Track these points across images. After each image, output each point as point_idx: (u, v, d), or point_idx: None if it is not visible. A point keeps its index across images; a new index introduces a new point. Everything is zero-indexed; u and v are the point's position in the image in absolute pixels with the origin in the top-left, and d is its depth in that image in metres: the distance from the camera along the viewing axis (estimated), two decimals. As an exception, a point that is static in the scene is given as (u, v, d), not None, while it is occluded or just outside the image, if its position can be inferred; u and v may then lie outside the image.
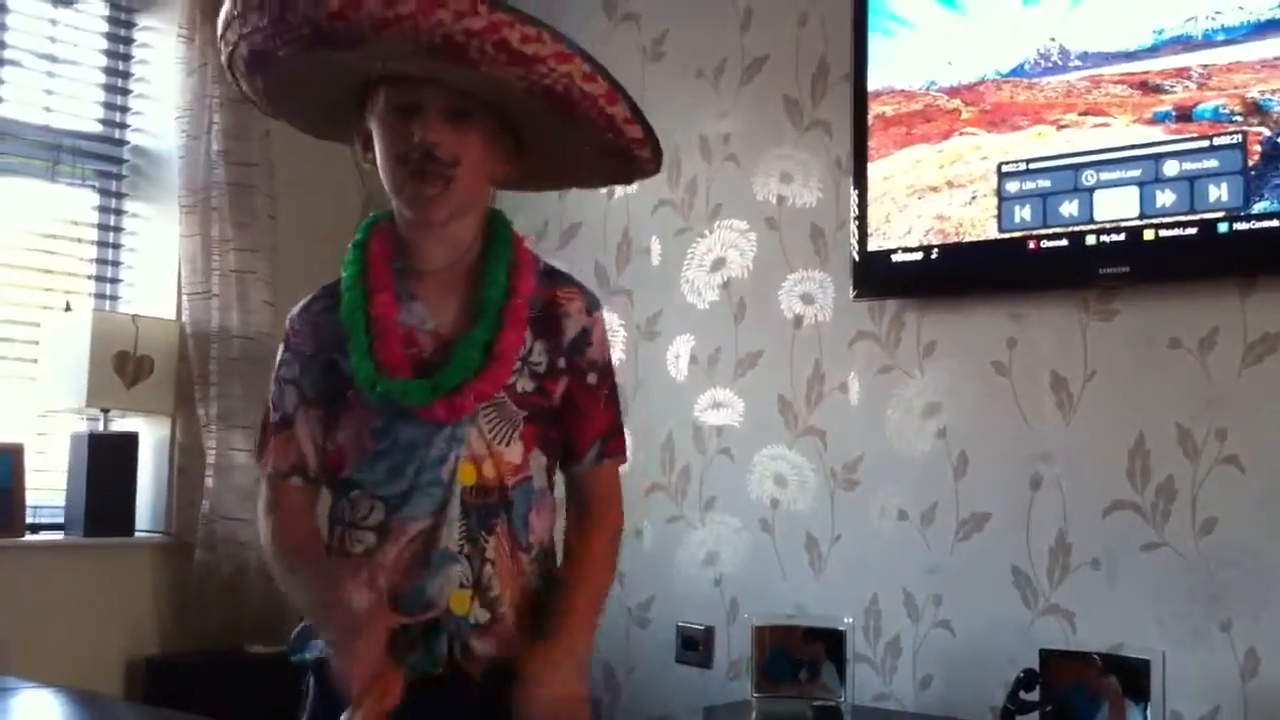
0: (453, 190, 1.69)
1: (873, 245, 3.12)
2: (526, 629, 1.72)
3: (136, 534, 3.63)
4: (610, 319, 3.67)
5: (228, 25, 1.68)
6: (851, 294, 3.18)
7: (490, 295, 1.73)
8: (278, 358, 1.82)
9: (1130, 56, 2.79)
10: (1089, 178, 2.82)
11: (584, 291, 1.82)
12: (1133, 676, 2.59)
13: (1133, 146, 2.77)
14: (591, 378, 1.79)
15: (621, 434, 1.84)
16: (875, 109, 3.14)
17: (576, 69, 1.63)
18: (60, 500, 3.59)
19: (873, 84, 3.15)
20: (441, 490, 1.70)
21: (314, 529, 1.83)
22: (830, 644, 3.01)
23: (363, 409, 1.73)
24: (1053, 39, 2.90)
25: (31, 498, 3.50)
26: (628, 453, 1.86)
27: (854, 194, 3.16)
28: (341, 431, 1.76)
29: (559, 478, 1.83)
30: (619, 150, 1.77)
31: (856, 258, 3.15)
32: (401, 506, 1.71)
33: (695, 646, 3.38)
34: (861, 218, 3.14)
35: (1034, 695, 2.70)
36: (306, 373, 1.78)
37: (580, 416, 1.79)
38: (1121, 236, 2.77)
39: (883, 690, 3.10)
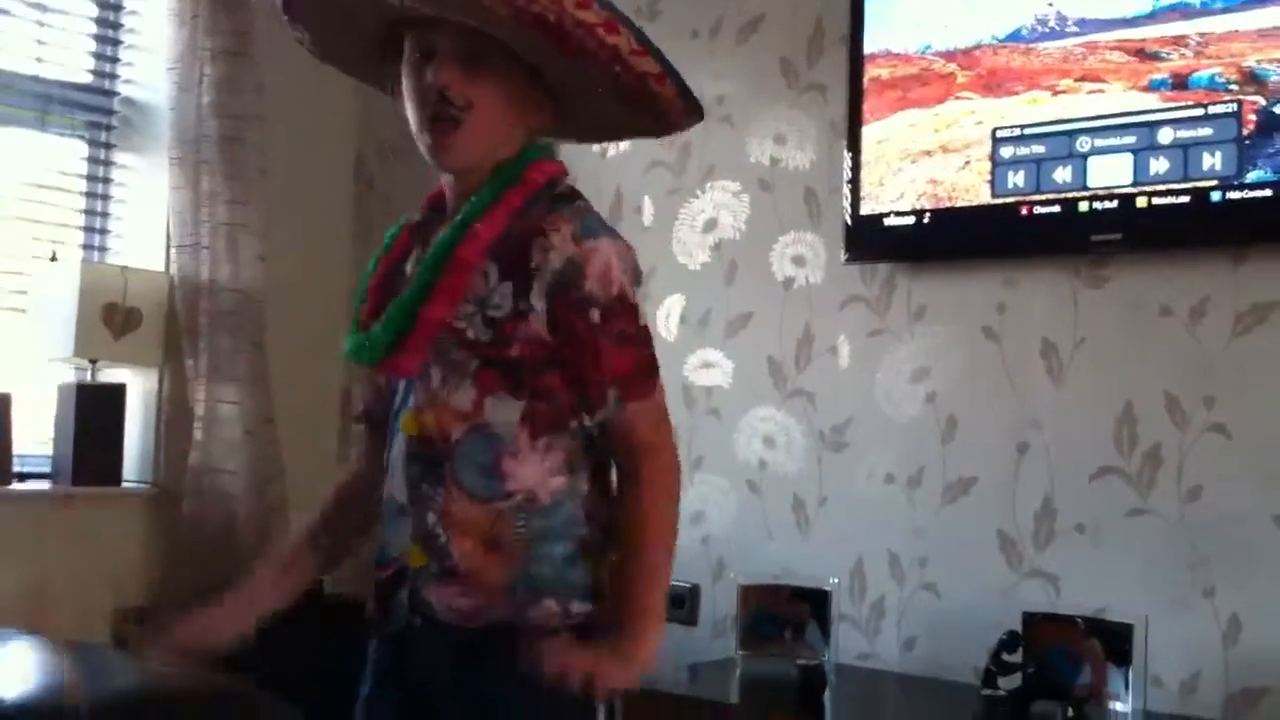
0: (464, 133, 1.67)
1: (865, 209, 3.12)
2: (508, 580, 1.64)
3: (124, 484, 3.64)
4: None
5: None
6: (843, 257, 3.18)
7: (442, 239, 1.68)
8: None
9: (1127, 23, 2.78)
10: (1083, 144, 2.82)
11: (579, 218, 1.66)
12: (1115, 640, 2.62)
13: (1127, 114, 2.77)
14: (593, 314, 1.62)
15: (647, 375, 1.67)
16: (871, 72, 3.13)
17: None
18: (48, 450, 3.59)
19: (869, 47, 3.14)
20: (395, 438, 1.72)
21: (343, 481, 1.91)
22: (815, 604, 3.03)
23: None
24: (1050, 4, 2.90)
25: (19, 447, 3.49)
26: (659, 394, 1.69)
27: (847, 157, 3.16)
28: None
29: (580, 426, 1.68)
30: (633, 89, 1.68)
31: (849, 221, 3.15)
32: (387, 459, 1.75)
33: (681, 604, 3.39)
34: (855, 181, 3.14)
35: (1016, 657, 2.72)
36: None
37: (589, 356, 1.63)
38: (1114, 204, 2.77)
39: (866, 650, 3.12)
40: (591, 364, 1.64)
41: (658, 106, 1.74)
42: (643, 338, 1.68)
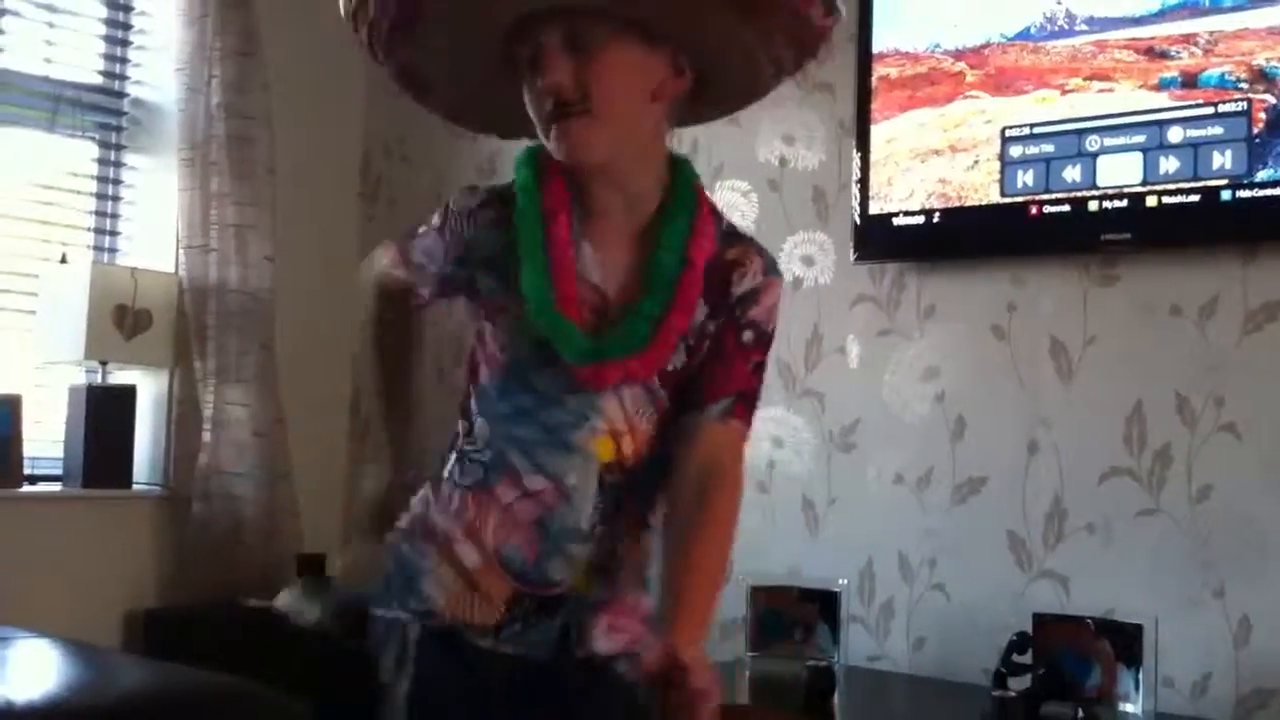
0: (592, 124, 1.53)
1: (874, 208, 3.11)
2: (646, 614, 1.63)
3: (134, 486, 3.65)
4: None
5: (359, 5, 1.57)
6: (852, 256, 3.17)
7: (664, 263, 1.58)
8: (435, 218, 1.67)
9: (1137, 21, 2.77)
10: (1092, 143, 2.81)
11: (765, 254, 1.65)
12: (1125, 641, 2.61)
13: (1137, 112, 2.75)
14: (748, 335, 1.61)
15: (756, 406, 1.64)
16: (879, 71, 3.12)
17: None
18: (59, 451, 3.60)
19: (878, 45, 3.13)
20: (571, 456, 1.59)
21: (415, 360, 1.76)
22: (824, 605, 3.02)
23: (503, 333, 1.62)
24: (1059, 3, 2.88)
25: (30, 449, 3.51)
26: (750, 430, 1.65)
27: (856, 156, 3.15)
28: (489, 343, 1.64)
29: None
30: (759, 6, 1.53)
31: (858, 220, 3.14)
32: (522, 451, 1.60)
33: (690, 605, 3.39)
34: (864, 180, 3.13)
35: (1026, 658, 2.71)
36: (452, 268, 1.66)
37: (723, 365, 1.61)
38: (1124, 203, 2.76)
39: (876, 651, 3.12)
40: (726, 371, 1.61)
41: (791, 19, 1.56)
42: (764, 375, 1.66)
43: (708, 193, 1.68)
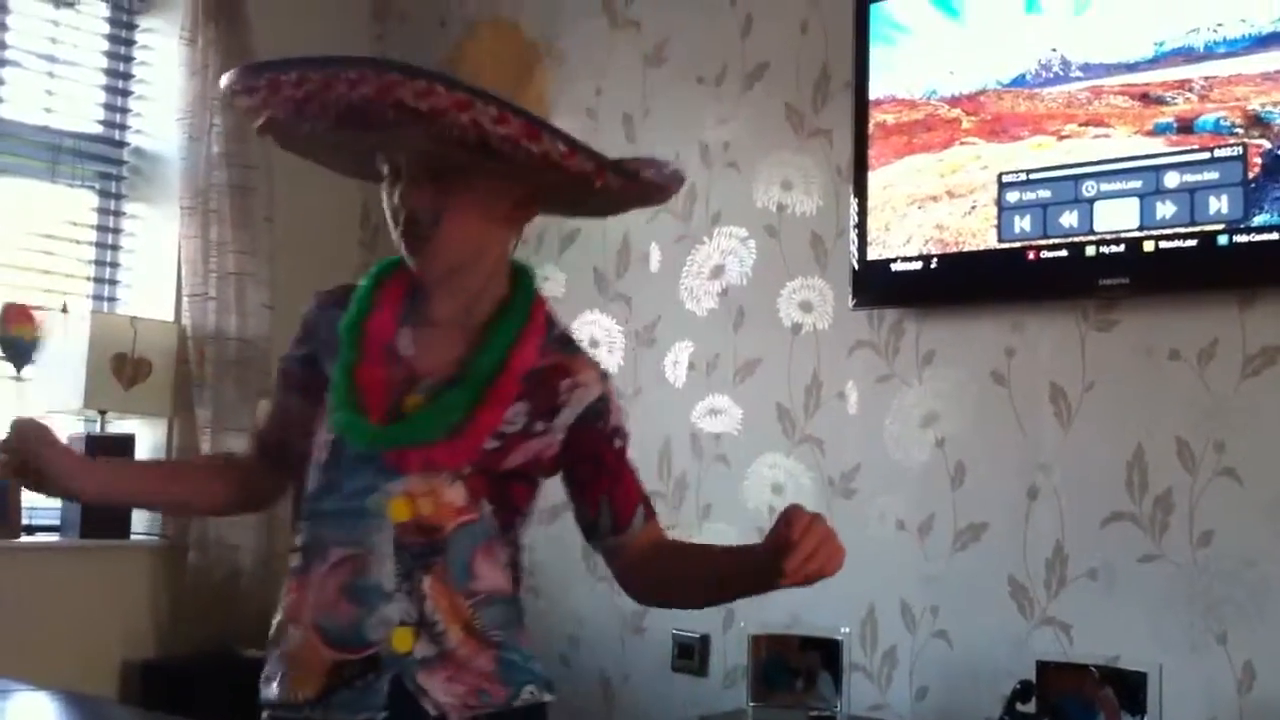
0: (437, 246, 1.66)
1: (872, 254, 3.12)
2: (493, 667, 1.68)
3: (132, 536, 3.63)
4: (609, 324, 3.67)
5: (242, 90, 1.67)
6: (851, 302, 3.18)
7: (481, 364, 1.69)
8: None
9: (1131, 68, 2.78)
10: (1089, 188, 2.82)
11: (594, 363, 1.78)
12: (1129, 688, 2.59)
13: (1133, 158, 2.76)
14: (618, 443, 1.76)
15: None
16: (876, 117, 3.14)
17: (482, 113, 1.55)
18: (56, 502, 3.58)
19: (874, 92, 3.14)
20: (367, 520, 1.65)
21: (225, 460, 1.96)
22: (826, 654, 3.01)
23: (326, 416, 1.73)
24: (1054, 49, 2.90)
25: (28, 499, 3.49)
26: None
27: (854, 202, 3.16)
28: (317, 439, 1.74)
29: (528, 537, 1.78)
30: (582, 185, 1.67)
31: (856, 266, 3.15)
32: (326, 526, 1.68)
33: (690, 654, 3.37)
34: (861, 226, 3.14)
35: (1030, 707, 2.70)
36: (297, 362, 1.81)
37: (618, 483, 1.76)
38: (1121, 248, 2.77)
39: (879, 700, 3.09)
40: (618, 489, 1.76)
41: (614, 197, 1.73)
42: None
43: (546, 303, 1.77)
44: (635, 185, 1.71)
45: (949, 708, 2.99)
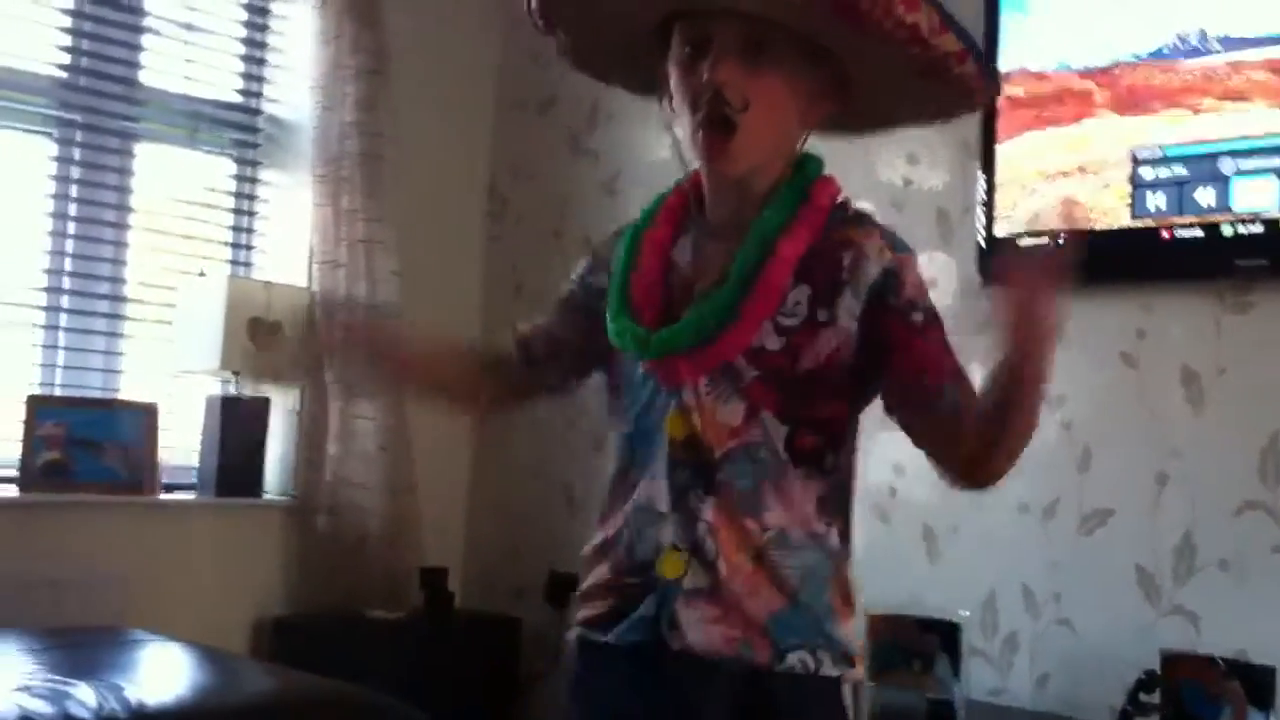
0: (743, 137, 1.53)
1: (999, 230, 3.05)
2: (769, 614, 1.53)
3: (265, 496, 3.73)
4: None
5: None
6: (978, 279, 3.11)
7: (746, 255, 1.56)
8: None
9: (1275, 41, 2.67)
10: (1227, 166, 2.72)
11: (887, 233, 1.60)
12: (1257, 683, 2.52)
13: (1273, 134, 2.65)
14: (916, 318, 1.57)
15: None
16: (1006, 90, 3.05)
17: None
18: (193, 461, 3.69)
19: (1004, 65, 3.05)
20: (650, 437, 1.58)
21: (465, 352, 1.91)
22: (945, 636, 2.96)
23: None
24: (1193, 22, 2.79)
25: (168, 458, 3.61)
26: None
27: (981, 177, 3.09)
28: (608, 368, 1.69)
29: (860, 470, 1.65)
30: (933, 69, 1.54)
31: (983, 243, 3.08)
32: (626, 446, 1.63)
33: (807, 631, 3.36)
34: (989, 202, 3.07)
35: (1154, 698, 2.63)
36: (579, 283, 1.75)
37: (911, 361, 1.56)
38: (1259, 228, 2.66)
39: (998, 685, 3.05)
40: (916, 365, 1.57)
41: (956, 85, 1.59)
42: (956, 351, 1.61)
43: (834, 183, 1.64)
44: (980, 80, 1.59)
45: (1071, 695, 2.93)
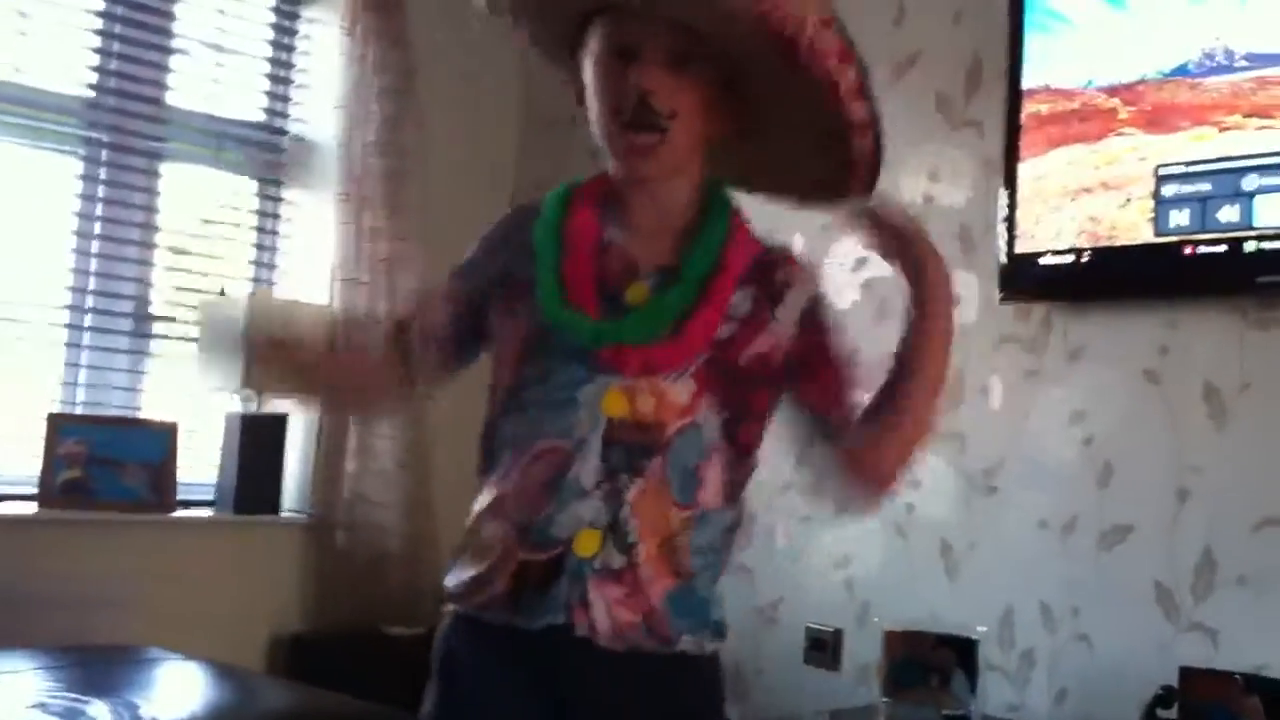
0: (667, 143, 1.58)
1: (1021, 247, 3.05)
2: (665, 595, 1.56)
3: (283, 514, 3.73)
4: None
5: None
6: (998, 296, 3.11)
7: (698, 258, 1.61)
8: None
9: (1298, 57, 2.68)
10: (1250, 182, 2.72)
11: (808, 262, 1.71)
12: (1276, 699, 2.50)
13: (1298, 150, 2.66)
14: (833, 338, 1.70)
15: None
16: (1029, 108, 3.06)
17: (812, 6, 1.51)
18: (211, 478, 3.69)
19: (1028, 82, 3.07)
20: (577, 412, 1.57)
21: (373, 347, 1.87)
22: (962, 652, 2.95)
23: (533, 315, 1.62)
24: (1218, 38, 2.80)
25: (187, 475, 3.61)
26: None
27: (1003, 194, 3.09)
28: (507, 341, 1.66)
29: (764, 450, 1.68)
30: (832, 130, 1.59)
31: (1004, 259, 3.08)
32: (531, 417, 1.60)
33: (823, 648, 3.34)
34: (1010, 219, 3.07)
35: (1172, 713, 2.61)
36: (478, 265, 1.73)
37: (836, 381, 1.69)
38: (1282, 244, 2.66)
39: (1015, 701, 3.03)
40: (839, 387, 1.69)
41: (844, 157, 1.65)
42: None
43: (742, 211, 1.70)
44: (868, 163, 1.67)
45: (1088, 712, 2.91)
